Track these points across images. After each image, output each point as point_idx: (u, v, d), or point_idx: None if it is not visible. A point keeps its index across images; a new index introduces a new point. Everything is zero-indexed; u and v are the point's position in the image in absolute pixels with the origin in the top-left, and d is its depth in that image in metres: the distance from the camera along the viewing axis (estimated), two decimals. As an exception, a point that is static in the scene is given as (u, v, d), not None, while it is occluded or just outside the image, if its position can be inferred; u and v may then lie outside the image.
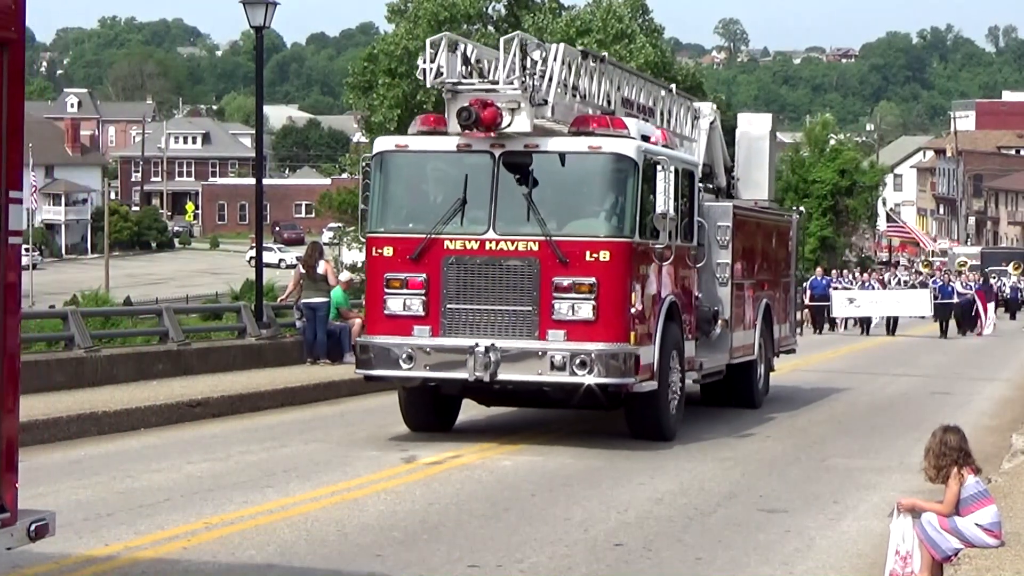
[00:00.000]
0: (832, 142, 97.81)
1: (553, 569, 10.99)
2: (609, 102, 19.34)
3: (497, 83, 17.33)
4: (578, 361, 16.61)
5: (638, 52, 73.98)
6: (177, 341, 23.78)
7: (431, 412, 18.46)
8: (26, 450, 16.25)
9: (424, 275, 17.16)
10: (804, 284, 50.76)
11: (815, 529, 12.85)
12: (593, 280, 16.76)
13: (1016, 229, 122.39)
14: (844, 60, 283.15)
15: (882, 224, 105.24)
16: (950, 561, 9.88)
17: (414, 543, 11.72)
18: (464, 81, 17.37)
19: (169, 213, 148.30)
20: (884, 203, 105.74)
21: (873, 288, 49.56)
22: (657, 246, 17.62)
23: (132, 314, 36.57)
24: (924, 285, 51.85)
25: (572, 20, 75.79)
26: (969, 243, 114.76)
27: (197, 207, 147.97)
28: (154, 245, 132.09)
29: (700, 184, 20.64)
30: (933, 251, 57.48)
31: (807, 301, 49.00)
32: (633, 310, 16.97)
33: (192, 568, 10.65)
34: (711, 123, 23.26)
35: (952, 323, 48.43)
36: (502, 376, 16.85)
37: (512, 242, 17.03)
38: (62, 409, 17.88)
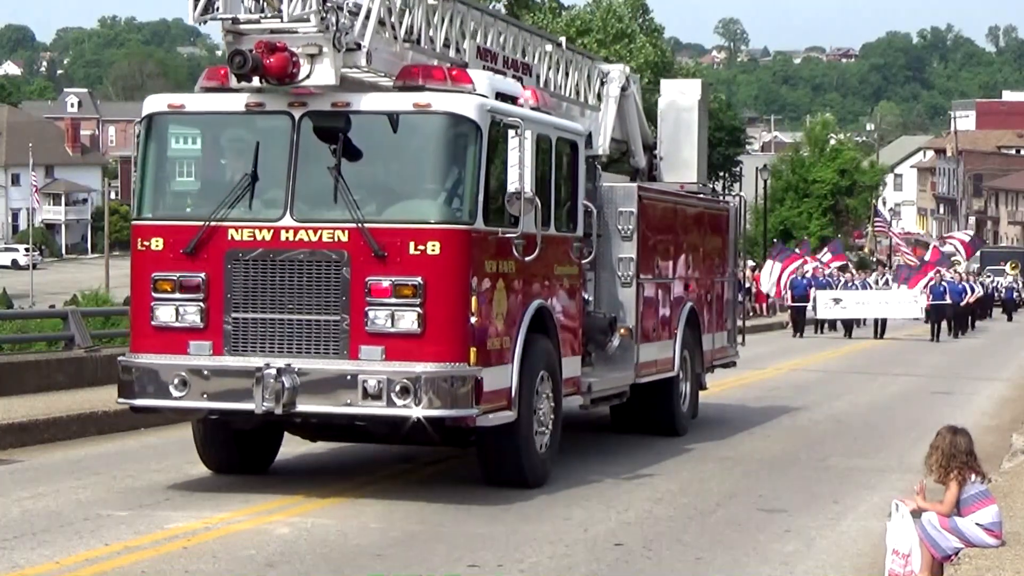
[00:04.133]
0: (832, 142, 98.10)
1: (553, 569, 10.98)
2: (461, 52, 15.36)
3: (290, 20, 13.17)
4: (398, 387, 12.80)
5: (638, 52, 74.18)
6: (177, 341, 23.73)
7: (232, 449, 14.66)
8: (26, 450, 16.32)
9: (202, 275, 13.46)
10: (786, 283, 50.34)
11: (815, 529, 12.84)
12: (419, 280, 12.92)
13: (1016, 229, 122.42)
14: (844, 60, 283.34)
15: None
16: (950, 561, 9.87)
17: (414, 543, 11.72)
18: (244, 18, 13.18)
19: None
20: (884, 203, 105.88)
21: (857, 288, 48.42)
22: (513, 236, 13.57)
23: (132, 314, 36.50)
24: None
25: (572, 20, 76.01)
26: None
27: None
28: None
29: (595, 160, 17.39)
30: (912, 262, 56.46)
31: (788, 302, 48.42)
32: (475, 319, 13.05)
33: (192, 568, 10.64)
34: (623, 89, 19.05)
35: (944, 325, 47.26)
36: (301, 407, 13.03)
37: (315, 231, 13.19)
38: (62, 409, 17.87)
